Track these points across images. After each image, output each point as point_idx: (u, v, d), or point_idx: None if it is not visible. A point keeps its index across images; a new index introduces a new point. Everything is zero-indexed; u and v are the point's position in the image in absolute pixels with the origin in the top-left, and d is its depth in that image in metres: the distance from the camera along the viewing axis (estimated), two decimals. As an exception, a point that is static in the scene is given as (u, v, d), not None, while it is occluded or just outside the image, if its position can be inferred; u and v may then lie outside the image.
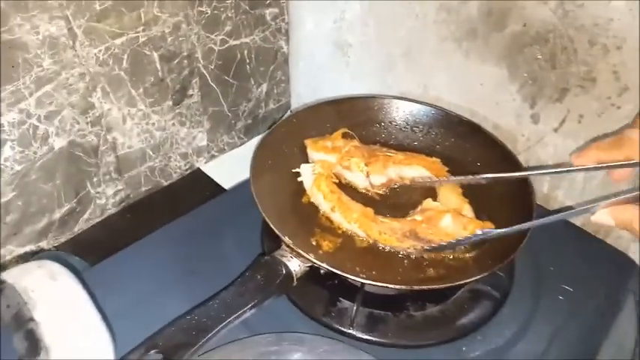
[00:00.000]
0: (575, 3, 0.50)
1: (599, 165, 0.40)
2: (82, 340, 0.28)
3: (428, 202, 0.51)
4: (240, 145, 0.82)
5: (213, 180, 0.75)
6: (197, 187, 0.74)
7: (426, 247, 0.47)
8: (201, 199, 0.68)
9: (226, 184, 0.74)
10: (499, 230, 0.45)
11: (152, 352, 0.34)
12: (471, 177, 0.50)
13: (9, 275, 0.29)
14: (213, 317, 0.38)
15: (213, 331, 0.37)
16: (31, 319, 0.26)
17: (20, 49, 0.51)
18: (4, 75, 0.51)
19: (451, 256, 0.48)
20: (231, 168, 0.77)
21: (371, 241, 0.50)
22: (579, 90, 0.55)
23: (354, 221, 0.49)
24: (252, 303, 0.40)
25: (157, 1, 0.60)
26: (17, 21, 0.50)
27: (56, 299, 0.28)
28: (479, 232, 0.46)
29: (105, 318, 0.31)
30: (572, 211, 0.41)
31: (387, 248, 0.49)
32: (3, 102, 0.53)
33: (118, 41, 0.59)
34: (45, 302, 0.27)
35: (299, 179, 0.55)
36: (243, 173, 0.71)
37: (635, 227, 0.36)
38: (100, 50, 0.58)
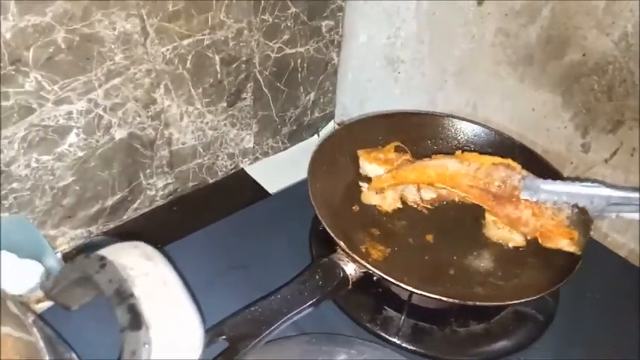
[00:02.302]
0: (640, 37, 0.51)
1: None
2: (176, 319, 0.29)
3: None
4: (283, 150, 0.84)
5: (255, 181, 0.77)
6: (240, 187, 0.76)
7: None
8: (243, 198, 0.70)
9: (268, 186, 0.76)
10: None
11: (219, 338, 0.35)
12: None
13: (107, 252, 0.31)
14: (275, 311, 0.39)
15: (275, 325, 0.38)
16: (132, 295, 0.28)
17: (97, 42, 0.54)
18: (80, 66, 0.54)
19: (500, 279, 0.49)
20: (273, 171, 0.79)
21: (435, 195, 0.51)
22: (634, 123, 0.56)
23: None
24: (311, 301, 0.41)
25: (225, 6, 0.62)
26: (98, 16, 0.53)
27: (152, 278, 0.30)
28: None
29: (195, 301, 0.32)
30: None
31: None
32: (74, 91, 0.55)
33: (185, 42, 0.61)
34: (142, 280, 0.29)
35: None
36: (285, 177, 0.74)
37: None
38: (168, 49, 0.60)
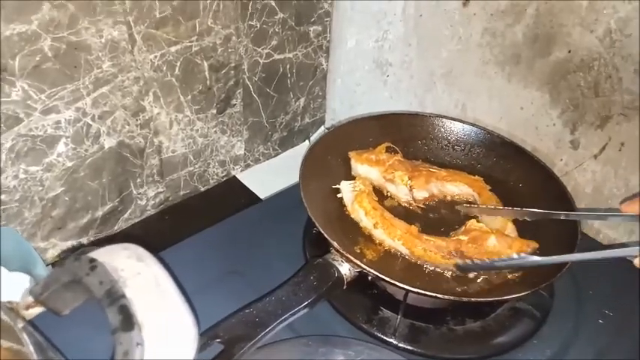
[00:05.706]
0: (623, 33, 0.52)
1: None
2: (169, 320, 0.29)
3: (472, 223, 0.51)
4: (274, 156, 0.84)
5: (247, 188, 0.77)
6: (232, 195, 0.76)
7: (459, 264, 0.48)
8: (235, 206, 0.69)
9: (260, 192, 0.75)
10: (536, 258, 0.46)
11: (214, 341, 0.35)
12: (515, 209, 0.51)
13: (98, 255, 0.30)
14: (270, 313, 0.39)
15: (271, 326, 0.38)
16: (123, 296, 0.27)
17: (84, 50, 0.54)
18: (67, 75, 0.53)
19: (495, 275, 0.49)
20: (265, 178, 0.79)
21: (414, 259, 0.50)
22: (622, 118, 0.56)
23: (397, 238, 0.50)
24: (306, 302, 0.41)
25: (212, 12, 0.62)
26: (85, 24, 0.53)
27: (144, 279, 0.29)
28: (515, 255, 0.47)
29: (189, 301, 0.32)
30: (613, 250, 0.43)
31: (429, 265, 0.50)
32: (62, 100, 0.55)
33: (173, 49, 0.61)
34: (134, 281, 0.28)
35: (339, 195, 0.56)
36: (277, 183, 0.73)
37: None
38: (156, 56, 0.60)
